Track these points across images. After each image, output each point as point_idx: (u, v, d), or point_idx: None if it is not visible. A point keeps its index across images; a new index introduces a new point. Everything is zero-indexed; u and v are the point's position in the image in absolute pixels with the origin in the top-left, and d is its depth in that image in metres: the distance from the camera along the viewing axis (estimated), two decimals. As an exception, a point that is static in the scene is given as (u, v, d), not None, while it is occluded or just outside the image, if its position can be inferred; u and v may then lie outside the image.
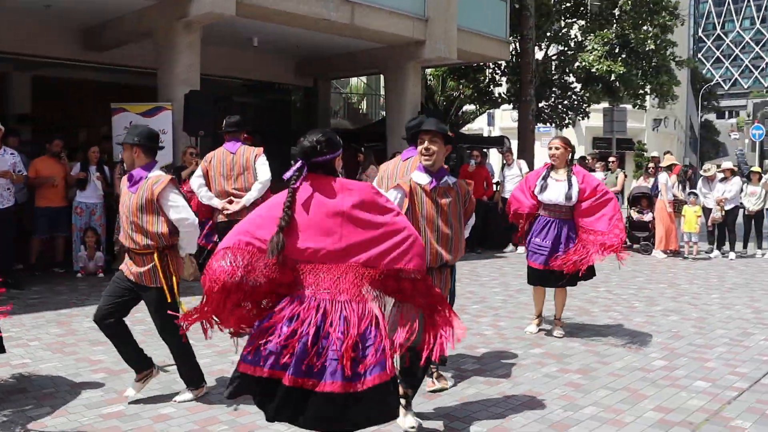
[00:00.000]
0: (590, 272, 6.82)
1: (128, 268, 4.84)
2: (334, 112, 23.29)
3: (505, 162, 13.78)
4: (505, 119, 32.47)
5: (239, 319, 3.45)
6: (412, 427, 4.30)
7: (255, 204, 6.58)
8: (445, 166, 4.57)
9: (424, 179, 4.46)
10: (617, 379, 5.65)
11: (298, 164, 3.40)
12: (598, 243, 6.50)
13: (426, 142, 4.39)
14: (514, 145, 17.46)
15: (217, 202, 6.74)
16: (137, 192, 4.70)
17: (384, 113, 21.48)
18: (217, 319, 3.48)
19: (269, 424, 4.43)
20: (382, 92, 24.95)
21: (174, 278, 4.75)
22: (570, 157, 6.92)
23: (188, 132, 10.52)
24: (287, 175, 3.38)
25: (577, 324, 7.59)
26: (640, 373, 5.80)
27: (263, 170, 6.76)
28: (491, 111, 28.71)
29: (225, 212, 6.69)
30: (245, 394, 3.33)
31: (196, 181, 6.85)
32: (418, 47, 13.52)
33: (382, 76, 22.17)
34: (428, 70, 21.80)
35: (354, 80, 27.24)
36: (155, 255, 4.71)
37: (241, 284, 3.30)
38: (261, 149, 6.91)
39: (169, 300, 4.69)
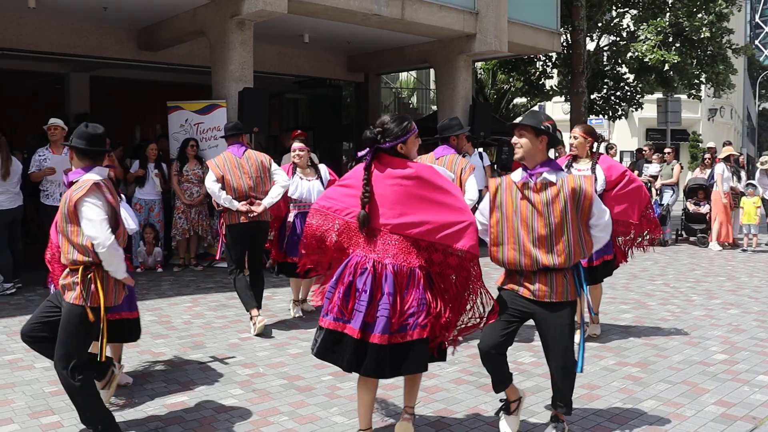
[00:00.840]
0: (608, 268, 6.66)
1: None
2: (385, 107, 23.35)
3: (557, 155, 13.65)
4: (557, 112, 32.13)
5: (316, 262, 4.13)
6: None
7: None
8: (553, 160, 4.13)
9: (517, 175, 4.10)
10: (676, 372, 5.58)
11: (366, 150, 3.86)
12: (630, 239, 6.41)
13: (514, 136, 4.15)
14: (566, 138, 17.28)
15: (237, 205, 6.77)
16: (62, 197, 4.13)
17: (434, 107, 21.49)
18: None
19: (329, 415, 4.53)
20: (432, 86, 24.96)
21: (100, 299, 4.01)
22: (592, 146, 6.48)
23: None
24: (360, 153, 3.89)
25: (635, 317, 7.50)
26: (700, 367, 5.72)
27: (281, 174, 6.95)
28: (542, 104, 28.44)
29: (250, 214, 6.75)
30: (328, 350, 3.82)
31: (214, 186, 6.80)
32: (469, 41, 13.46)
33: (431, 70, 22.22)
34: (478, 64, 21.69)
35: (404, 75, 27.28)
36: (79, 271, 4.00)
37: (322, 237, 4.00)
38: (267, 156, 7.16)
39: (91, 319, 3.98)
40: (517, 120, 4.29)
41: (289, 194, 7.13)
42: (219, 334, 6.68)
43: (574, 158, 6.50)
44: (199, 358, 5.86)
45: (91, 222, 3.93)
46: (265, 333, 6.63)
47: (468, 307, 3.97)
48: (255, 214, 6.74)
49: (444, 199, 3.86)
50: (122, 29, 12.97)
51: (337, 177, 7.05)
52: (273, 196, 6.83)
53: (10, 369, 5.47)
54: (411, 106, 25.94)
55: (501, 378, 4.16)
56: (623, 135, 33.39)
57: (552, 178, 3.96)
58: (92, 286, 3.98)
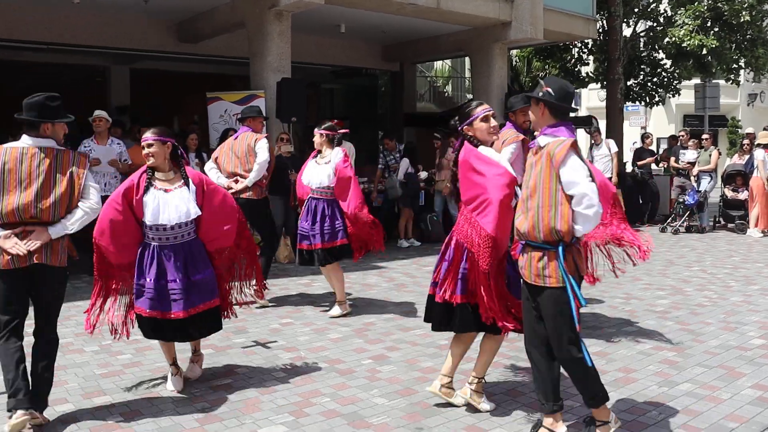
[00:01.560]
0: None
1: None
2: (420, 96, 23.37)
3: (593, 142, 13.60)
4: (593, 99, 31.81)
5: None
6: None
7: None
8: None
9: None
10: (713, 357, 5.62)
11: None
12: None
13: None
14: (602, 124, 17.19)
15: (223, 181, 7.20)
16: None
17: (469, 96, 21.47)
18: None
19: (369, 396, 4.67)
20: (467, 75, 24.91)
21: None
22: None
23: (281, 118, 10.82)
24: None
25: (672, 303, 7.52)
26: (736, 352, 5.74)
27: (260, 154, 7.26)
28: (578, 90, 28.23)
29: (230, 191, 6.64)
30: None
31: (208, 165, 7.56)
32: (504, 28, 13.47)
33: (466, 59, 22.19)
34: (513, 51, 21.62)
35: (438, 63, 27.25)
36: None
37: None
38: (263, 135, 7.55)
39: None
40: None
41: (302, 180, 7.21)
42: (260, 319, 6.85)
43: None
44: (241, 343, 6.04)
45: None
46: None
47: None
48: (233, 190, 7.06)
49: (475, 179, 4.20)
50: (162, 22, 13.20)
51: (350, 162, 6.95)
52: (253, 176, 7.25)
53: (62, 352, 5.67)
54: (446, 94, 25.92)
55: (550, 380, 3.96)
56: (660, 121, 32.99)
57: (543, 141, 3.86)
58: None
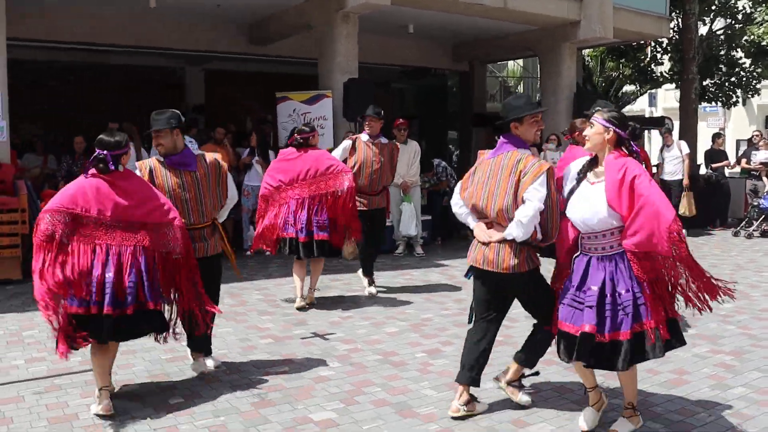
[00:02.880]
0: None
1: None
2: (491, 96, 23.32)
3: (664, 143, 13.37)
4: (669, 99, 31.09)
5: None
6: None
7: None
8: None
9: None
10: (773, 361, 5.53)
11: None
12: None
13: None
14: (677, 126, 16.85)
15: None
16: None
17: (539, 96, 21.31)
18: None
19: (419, 388, 4.80)
20: (539, 75, 24.73)
21: None
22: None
23: (347, 118, 11.04)
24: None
25: (736, 307, 7.37)
26: (798, 357, 5.64)
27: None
28: (653, 91, 27.64)
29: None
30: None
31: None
32: (573, 28, 13.37)
33: (538, 59, 22.04)
34: (586, 51, 21.34)
35: (511, 63, 27.12)
36: None
37: None
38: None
39: None
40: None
41: None
42: (321, 313, 7.04)
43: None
44: (300, 334, 6.23)
45: None
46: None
47: None
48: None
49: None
50: (234, 25, 13.58)
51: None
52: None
53: (132, 338, 6.00)
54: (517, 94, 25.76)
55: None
56: (740, 122, 32.01)
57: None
58: None
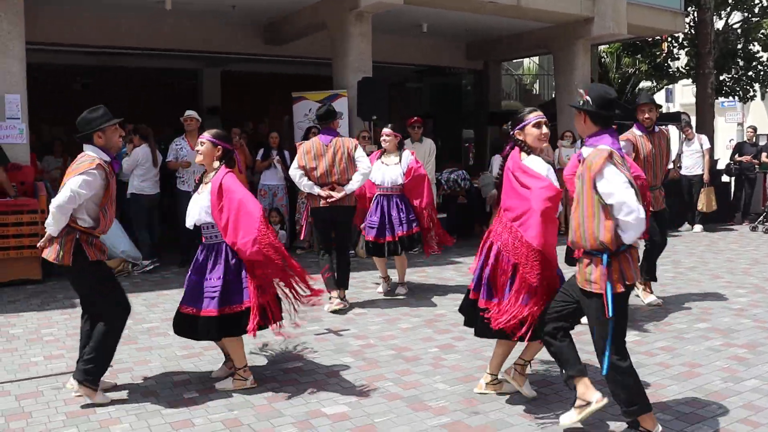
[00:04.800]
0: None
1: None
2: (507, 94, 23.28)
3: (684, 137, 13.30)
4: (686, 95, 30.88)
5: None
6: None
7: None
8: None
9: None
10: (786, 355, 5.53)
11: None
12: None
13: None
14: (694, 121, 16.74)
15: (317, 190, 7.00)
16: None
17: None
18: None
19: (431, 382, 4.85)
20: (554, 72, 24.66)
21: None
22: None
23: (362, 117, 11.09)
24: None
25: (751, 301, 7.36)
26: (812, 350, 5.63)
27: (364, 161, 7.00)
28: (669, 87, 27.48)
29: (329, 200, 6.96)
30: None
31: (295, 171, 7.10)
32: (587, 24, 13.34)
33: (552, 56, 21.97)
34: (601, 47, 21.25)
35: (526, 61, 27.07)
36: None
37: None
38: (356, 141, 7.27)
39: None
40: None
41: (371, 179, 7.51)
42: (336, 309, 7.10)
43: None
44: (315, 330, 6.30)
45: None
46: (340, 312, 6.99)
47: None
48: (333, 199, 6.95)
49: (521, 190, 4.27)
50: (249, 26, 13.68)
51: (422, 164, 7.54)
52: (353, 183, 7.00)
53: (149, 335, 6.08)
54: (533, 92, 25.72)
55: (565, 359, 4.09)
56: (761, 117, 31.70)
57: (585, 152, 3.95)
58: None
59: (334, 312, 6.94)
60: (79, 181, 4.38)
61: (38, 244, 4.60)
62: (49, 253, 4.47)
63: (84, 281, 4.60)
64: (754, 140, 14.84)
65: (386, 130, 7.69)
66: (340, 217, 7.20)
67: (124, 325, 4.71)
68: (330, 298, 6.99)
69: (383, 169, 7.56)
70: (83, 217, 4.51)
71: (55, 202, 4.36)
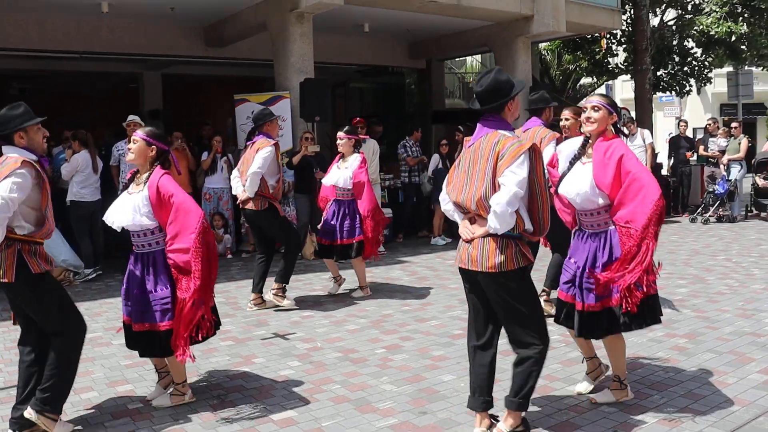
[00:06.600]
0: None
1: None
2: (450, 92, 23.42)
3: (627, 132, 13.54)
4: (626, 90, 31.54)
5: None
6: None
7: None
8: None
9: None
10: (724, 343, 5.65)
11: None
12: None
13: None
14: (633, 116, 17.09)
15: (237, 192, 7.26)
16: None
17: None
18: None
19: (379, 383, 4.86)
20: (496, 70, 24.87)
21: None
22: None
23: (304, 118, 11.02)
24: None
25: (691, 291, 7.54)
26: (749, 338, 5.76)
27: (255, 163, 6.96)
28: (609, 83, 28.04)
29: (237, 202, 7.37)
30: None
31: (233, 173, 7.46)
32: (527, 22, 13.49)
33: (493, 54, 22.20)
34: (542, 45, 21.56)
35: (469, 59, 27.28)
36: None
37: None
38: (269, 142, 7.13)
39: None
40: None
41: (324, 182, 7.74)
42: (282, 313, 7.06)
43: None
44: (261, 335, 6.25)
45: None
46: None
47: None
48: (238, 201, 7.27)
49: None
50: (189, 28, 13.49)
51: (364, 169, 7.55)
52: (246, 186, 7.00)
53: (91, 345, 5.95)
54: (477, 90, 25.93)
55: None
56: (696, 111, 32.57)
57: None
58: None
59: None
60: (7, 185, 3.90)
61: None
62: None
63: (31, 297, 4.08)
64: (686, 134, 15.31)
65: (340, 134, 7.73)
66: (249, 220, 7.42)
67: (84, 339, 4.30)
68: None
69: (337, 173, 7.64)
70: (20, 224, 4.03)
71: None
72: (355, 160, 7.57)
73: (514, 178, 3.61)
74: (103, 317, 6.95)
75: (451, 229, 12.21)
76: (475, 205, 3.75)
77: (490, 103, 3.82)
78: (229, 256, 10.55)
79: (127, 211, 4.39)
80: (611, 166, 4.06)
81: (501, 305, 3.78)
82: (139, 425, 4.27)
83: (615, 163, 4.05)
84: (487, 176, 3.69)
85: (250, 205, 7.07)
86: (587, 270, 4.21)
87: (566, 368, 5.13)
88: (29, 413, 4.06)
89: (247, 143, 7.34)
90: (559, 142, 5.90)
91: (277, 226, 7.32)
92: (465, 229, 3.84)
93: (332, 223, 7.61)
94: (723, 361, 5.19)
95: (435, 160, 11.90)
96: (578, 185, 4.19)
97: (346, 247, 7.57)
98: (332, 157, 8.40)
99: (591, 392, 4.60)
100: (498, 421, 3.94)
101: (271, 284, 7.35)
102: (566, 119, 6.12)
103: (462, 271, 3.89)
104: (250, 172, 6.91)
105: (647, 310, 4.21)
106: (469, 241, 3.79)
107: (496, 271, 3.68)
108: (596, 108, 4.21)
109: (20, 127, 4.12)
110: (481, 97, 3.84)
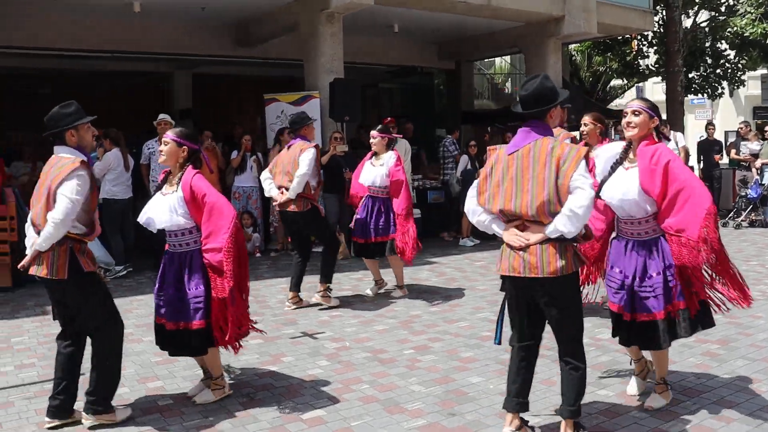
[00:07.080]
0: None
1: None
2: (479, 93, 23.35)
3: (663, 136, 13.39)
4: (657, 92, 31.24)
5: None
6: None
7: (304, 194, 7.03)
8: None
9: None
10: (758, 350, 5.57)
11: None
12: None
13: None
14: (664, 118, 16.93)
15: (272, 193, 7.21)
16: None
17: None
18: None
19: (407, 384, 4.83)
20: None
21: None
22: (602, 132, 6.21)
23: (334, 118, 11.06)
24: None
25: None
26: (783, 345, 5.69)
27: (301, 166, 6.94)
28: (640, 85, 27.79)
29: (274, 203, 7.30)
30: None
31: (264, 175, 7.38)
32: (557, 23, 13.43)
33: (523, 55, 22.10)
34: (572, 46, 21.42)
35: (498, 60, 27.19)
36: None
37: None
38: (311, 144, 7.13)
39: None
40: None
41: (359, 180, 7.68)
42: (311, 312, 7.08)
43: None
44: (290, 334, 6.27)
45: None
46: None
47: None
48: (276, 203, 7.18)
49: None
50: (220, 27, 13.59)
51: (401, 167, 7.50)
52: (292, 188, 6.98)
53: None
54: (505, 91, 25.84)
55: None
56: (728, 114, 32.21)
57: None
58: None
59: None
60: (72, 187, 4.02)
61: (20, 265, 4.21)
62: (39, 269, 4.09)
63: (79, 295, 4.19)
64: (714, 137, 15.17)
65: (373, 132, 7.71)
66: (289, 221, 7.34)
67: (123, 334, 4.42)
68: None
69: (372, 171, 7.60)
70: (75, 225, 4.12)
71: (57, 216, 3.98)
72: (390, 158, 7.52)
73: (587, 181, 3.58)
74: (134, 314, 7.02)
75: (477, 230, 12.20)
76: (534, 211, 3.64)
77: (533, 108, 3.79)
78: (258, 254, 10.59)
79: (164, 212, 4.44)
80: (659, 172, 4.03)
81: (558, 310, 3.75)
82: (169, 422, 4.31)
83: (662, 169, 4.02)
84: (549, 182, 3.59)
85: (291, 207, 7.05)
86: (637, 279, 4.21)
87: (595, 372, 5.09)
88: (86, 419, 4.22)
89: (275, 143, 7.37)
90: (573, 142, 5.89)
91: (322, 226, 7.40)
92: (515, 236, 3.71)
93: (366, 220, 7.58)
94: (756, 369, 5.11)
95: (464, 160, 11.87)
96: (623, 191, 4.14)
97: (380, 245, 7.55)
98: (358, 156, 8.42)
99: (642, 394, 4.61)
100: (527, 423, 3.95)
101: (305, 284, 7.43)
102: (585, 125, 6.11)
103: (511, 279, 3.78)
104: (298, 174, 6.90)
105: (704, 315, 4.39)
106: (523, 249, 3.68)
107: (559, 275, 3.63)
108: (636, 112, 4.18)
109: (72, 126, 4.20)
110: (524, 100, 3.81)
